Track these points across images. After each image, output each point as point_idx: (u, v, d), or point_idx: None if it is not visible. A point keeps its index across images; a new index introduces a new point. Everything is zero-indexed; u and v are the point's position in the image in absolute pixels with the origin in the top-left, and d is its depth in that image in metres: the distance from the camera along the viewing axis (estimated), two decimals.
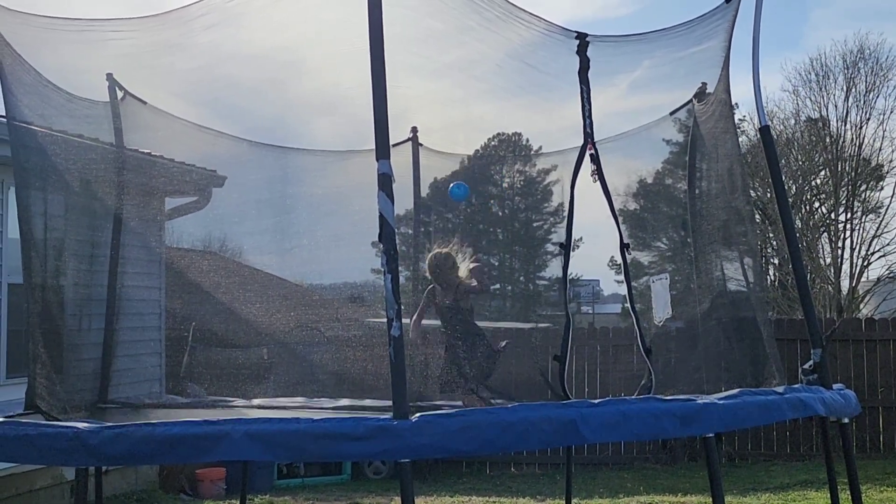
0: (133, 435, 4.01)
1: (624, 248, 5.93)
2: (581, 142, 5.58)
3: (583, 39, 5.45)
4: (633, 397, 4.45)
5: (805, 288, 5.67)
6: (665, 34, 5.87)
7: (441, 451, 3.88)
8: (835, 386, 5.27)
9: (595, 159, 5.54)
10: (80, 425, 4.13)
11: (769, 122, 5.97)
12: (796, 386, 5.01)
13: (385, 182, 4.13)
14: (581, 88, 5.44)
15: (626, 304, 6.30)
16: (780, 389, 4.79)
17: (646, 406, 4.19)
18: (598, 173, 5.59)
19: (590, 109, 5.42)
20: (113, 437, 4.00)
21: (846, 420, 5.36)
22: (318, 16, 5.64)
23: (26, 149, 5.58)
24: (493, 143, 10.36)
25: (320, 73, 6.38)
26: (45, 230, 5.52)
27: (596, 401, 4.20)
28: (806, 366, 5.25)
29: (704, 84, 6.56)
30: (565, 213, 5.71)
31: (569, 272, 5.56)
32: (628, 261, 5.75)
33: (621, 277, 6.41)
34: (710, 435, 4.32)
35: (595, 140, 5.68)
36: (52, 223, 5.61)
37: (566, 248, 5.18)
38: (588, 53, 5.53)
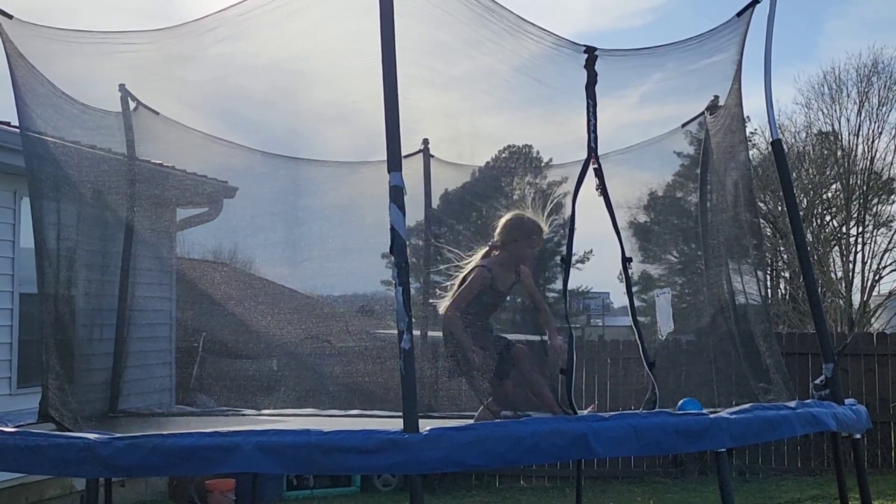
0: (144, 446, 4.01)
1: (626, 261, 5.90)
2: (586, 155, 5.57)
3: (591, 54, 5.43)
4: (643, 411, 4.44)
5: (817, 302, 5.65)
6: (675, 48, 5.87)
7: (451, 465, 3.87)
8: (847, 401, 5.24)
9: (598, 174, 5.51)
10: (92, 436, 4.14)
11: (781, 136, 5.95)
12: (808, 401, 4.98)
13: (396, 194, 4.13)
14: (587, 103, 5.41)
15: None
16: (791, 404, 4.76)
17: (656, 421, 4.17)
18: (602, 187, 5.56)
19: (595, 124, 5.39)
20: (124, 448, 4.01)
21: (858, 435, 5.33)
22: (330, 29, 5.66)
23: (40, 159, 5.61)
24: (503, 154, 10.37)
25: (331, 85, 6.39)
26: (58, 241, 5.55)
27: (606, 415, 4.20)
28: (818, 381, 5.22)
29: (716, 97, 6.55)
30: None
31: (575, 285, 5.55)
32: (630, 274, 5.72)
33: (632, 290, 6.39)
34: (723, 450, 4.31)
35: (604, 153, 5.66)
36: (65, 234, 5.63)
37: (566, 262, 5.16)
38: (598, 66, 5.52)
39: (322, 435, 3.93)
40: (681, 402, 5.00)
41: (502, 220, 5.58)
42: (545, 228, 5.62)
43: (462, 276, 5.57)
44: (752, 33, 5.81)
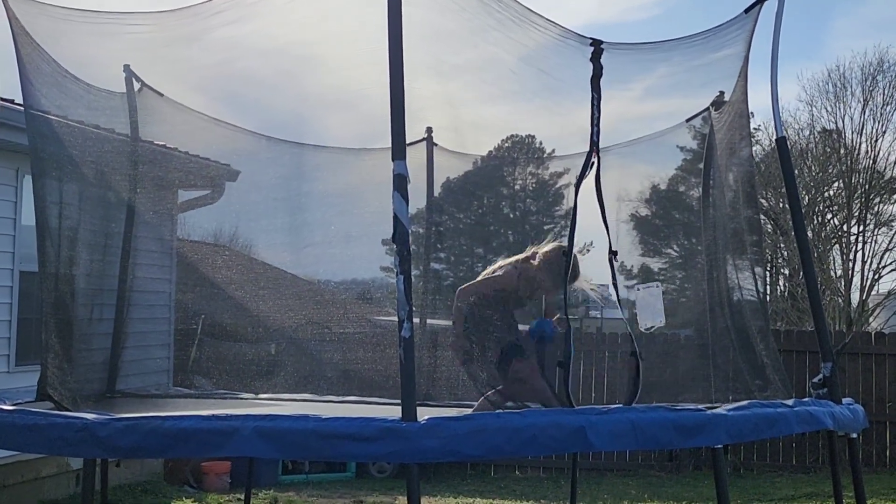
0: (142, 428, 4.01)
1: (612, 255, 5.92)
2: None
3: (597, 46, 5.40)
4: (641, 406, 4.44)
5: (817, 301, 5.65)
6: (682, 43, 5.85)
7: (449, 455, 3.87)
8: (844, 400, 5.25)
9: (592, 167, 5.49)
10: (90, 416, 4.15)
11: (785, 133, 5.94)
12: (806, 399, 4.98)
13: (400, 183, 4.11)
14: (592, 96, 5.38)
15: (633, 310, 6.22)
16: (789, 402, 4.77)
17: (655, 416, 4.17)
18: (596, 181, 5.54)
19: (598, 117, 5.38)
20: (122, 429, 4.01)
21: (854, 435, 5.34)
22: (336, 14, 5.65)
23: (43, 138, 5.59)
24: (506, 144, 10.35)
25: (336, 71, 6.38)
26: (60, 220, 5.54)
27: (605, 408, 4.19)
28: (815, 379, 5.22)
29: (722, 93, 6.54)
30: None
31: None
32: (616, 268, 5.73)
33: (630, 283, 6.39)
34: (719, 446, 4.32)
35: (608, 146, 5.64)
36: (67, 213, 5.63)
37: (568, 254, 5.15)
38: (604, 59, 5.50)
39: (320, 421, 3.93)
40: (534, 322, 5.09)
41: (554, 247, 5.42)
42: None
43: (495, 266, 5.54)
44: (758, 30, 5.79)
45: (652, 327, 5.77)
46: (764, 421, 4.49)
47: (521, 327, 5.55)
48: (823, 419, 4.79)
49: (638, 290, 5.77)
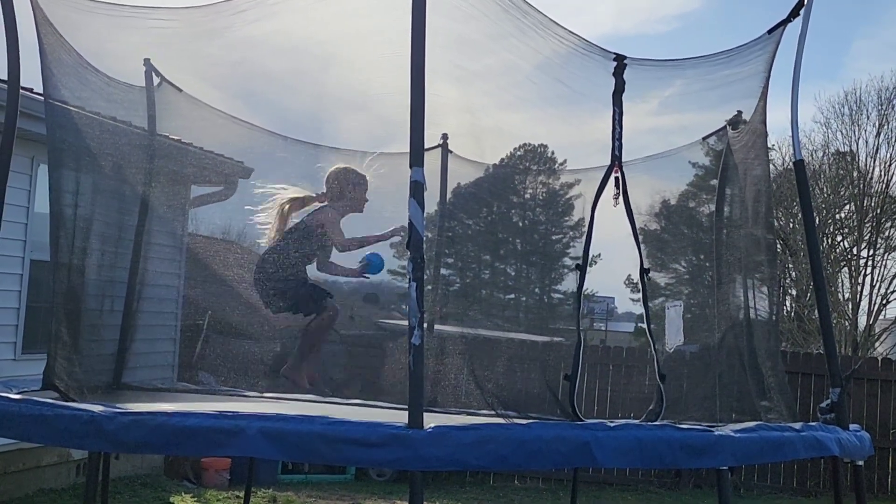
0: (148, 423, 4.02)
1: (644, 273, 5.85)
2: (606, 160, 5.54)
3: (621, 62, 5.39)
4: (648, 423, 4.43)
5: (828, 327, 5.63)
6: (704, 61, 5.83)
7: (454, 464, 3.87)
8: (851, 427, 5.23)
9: (619, 183, 5.47)
10: (97, 409, 4.15)
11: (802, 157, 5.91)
12: (813, 424, 4.97)
13: (417, 190, 4.11)
14: (613, 110, 5.37)
15: (640, 325, 6.23)
16: (796, 426, 4.75)
17: (662, 434, 4.16)
18: (624, 197, 5.52)
19: (620, 132, 5.37)
20: (129, 424, 4.02)
21: (860, 462, 5.32)
22: (358, 16, 5.66)
23: (61, 128, 5.60)
24: (518, 152, 10.34)
25: (354, 71, 6.38)
26: (74, 210, 5.55)
27: (612, 424, 4.18)
28: (823, 404, 5.20)
29: (740, 112, 6.52)
30: (585, 231, 5.67)
31: (584, 290, 5.50)
32: (647, 286, 5.69)
33: (637, 297, 6.37)
34: (725, 468, 4.30)
35: (623, 162, 5.63)
36: (81, 204, 5.63)
37: (582, 269, 5.13)
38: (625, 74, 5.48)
39: (326, 424, 3.93)
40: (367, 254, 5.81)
41: (336, 172, 6.25)
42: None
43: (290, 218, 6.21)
44: (779, 49, 5.77)
45: (675, 346, 5.76)
46: (770, 445, 4.47)
47: None
48: (830, 445, 4.77)
49: (668, 308, 5.74)
